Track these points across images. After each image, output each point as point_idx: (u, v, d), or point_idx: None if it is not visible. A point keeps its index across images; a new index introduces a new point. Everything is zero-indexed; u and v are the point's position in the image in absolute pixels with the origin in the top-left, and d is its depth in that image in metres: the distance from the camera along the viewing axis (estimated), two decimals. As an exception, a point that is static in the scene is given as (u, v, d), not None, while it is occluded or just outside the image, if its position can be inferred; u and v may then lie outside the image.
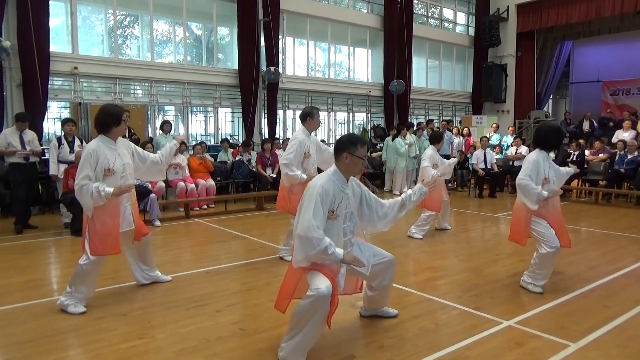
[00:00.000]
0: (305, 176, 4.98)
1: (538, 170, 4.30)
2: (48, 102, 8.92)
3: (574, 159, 10.59)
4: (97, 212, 3.74)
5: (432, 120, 13.54)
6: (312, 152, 5.18)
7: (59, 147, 7.03)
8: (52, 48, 8.91)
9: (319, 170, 4.66)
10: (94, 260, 3.75)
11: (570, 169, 4.79)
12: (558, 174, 4.54)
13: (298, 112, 12.97)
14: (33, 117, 7.89)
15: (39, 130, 8.36)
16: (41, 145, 7.78)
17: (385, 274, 3.40)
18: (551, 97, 19.25)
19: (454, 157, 7.26)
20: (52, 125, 9.35)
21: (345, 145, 3.02)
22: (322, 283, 2.78)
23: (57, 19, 9.59)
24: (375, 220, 3.33)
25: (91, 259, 3.73)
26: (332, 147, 3.37)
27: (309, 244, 2.77)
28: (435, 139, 6.88)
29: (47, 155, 7.71)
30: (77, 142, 7.17)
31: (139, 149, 4.18)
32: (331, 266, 2.91)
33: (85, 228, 3.79)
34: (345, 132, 13.96)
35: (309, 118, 5.14)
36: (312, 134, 5.27)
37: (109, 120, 3.83)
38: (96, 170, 3.72)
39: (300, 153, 5.04)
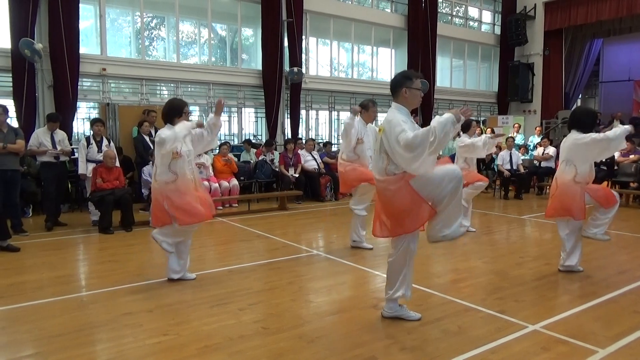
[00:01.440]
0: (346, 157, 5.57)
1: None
2: (77, 103, 9.14)
3: (604, 160, 10.31)
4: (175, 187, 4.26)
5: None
6: (366, 140, 5.59)
7: (87, 146, 7.20)
8: (82, 50, 9.14)
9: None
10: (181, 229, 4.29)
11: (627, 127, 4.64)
12: None
13: (321, 112, 13.10)
14: (63, 117, 8.11)
15: (69, 130, 8.60)
16: (71, 144, 7.98)
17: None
18: (580, 96, 18.79)
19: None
20: (81, 125, 9.59)
21: (401, 81, 3.32)
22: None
23: (87, 21, 9.84)
24: None
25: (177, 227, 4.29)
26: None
27: (422, 142, 3.04)
28: (466, 127, 6.80)
29: (76, 155, 7.91)
30: (105, 141, 7.33)
31: (193, 131, 4.54)
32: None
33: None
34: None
35: (364, 110, 5.70)
36: (370, 124, 5.75)
37: (171, 112, 4.39)
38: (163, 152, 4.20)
39: (353, 137, 5.49)
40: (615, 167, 10.37)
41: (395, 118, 3.24)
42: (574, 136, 4.62)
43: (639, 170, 10.12)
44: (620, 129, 4.45)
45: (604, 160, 10.24)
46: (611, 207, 4.68)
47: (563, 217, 4.77)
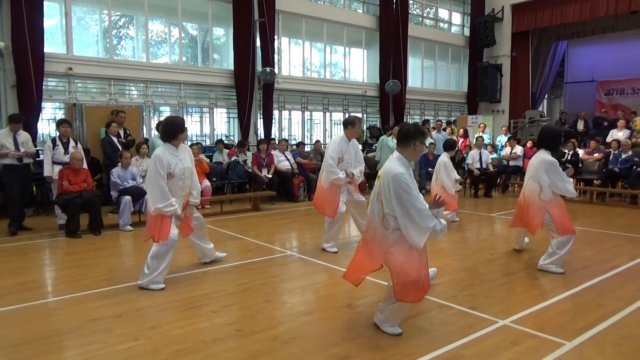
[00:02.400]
0: (343, 176, 5.40)
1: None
2: (42, 103, 8.88)
3: (569, 158, 10.64)
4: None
5: (427, 121, 13.56)
6: (346, 158, 5.57)
7: (53, 148, 7.00)
8: (47, 49, 8.87)
9: None
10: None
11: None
12: None
13: (294, 113, 13.09)
14: (27, 118, 7.86)
15: (33, 132, 8.32)
16: (35, 146, 7.74)
17: None
18: (546, 97, 19.33)
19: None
20: (46, 127, 9.30)
21: (415, 135, 3.30)
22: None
23: (52, 19, 9.56)
24: None
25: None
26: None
27: (427, 230, 3.18)
28: (450, 146, 7.26)
29: (41, 157, 7.67)
30: (71, 143, 7.14)
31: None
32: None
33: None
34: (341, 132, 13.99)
35: (350, 126, 5.58)
36: (353, 140, 5.70)
37: (177, 129, 4.46)
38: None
39: (336, 158, 5.47)
40: (580, 165, 10.70)
41: (398, 174, 3.17)
42: (542, 156, 4.89)
43: (602, 168, 10.48)
44: (570, 188, 4.88)
45: (569, 158, 10.58)
46: (565, 237, 4.80)
47: (522, 228, 5.27)
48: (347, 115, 14.07)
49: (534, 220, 4.90)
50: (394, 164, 3.26)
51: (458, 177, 7.31)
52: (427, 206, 3.20)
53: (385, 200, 3.24)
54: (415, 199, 3.15)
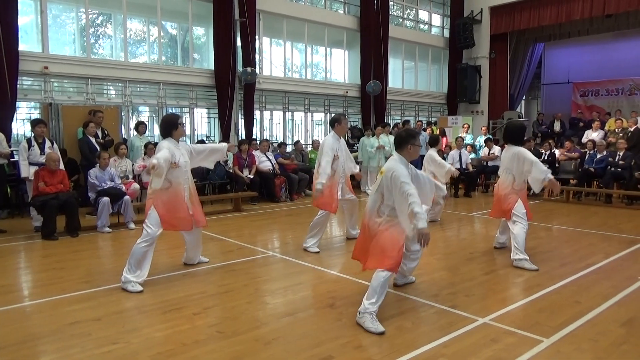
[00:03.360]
0: (321, 187, 5.46)
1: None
2: (17, 103, 8.66)
3: (546, 158, 10.85)
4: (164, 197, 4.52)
5: (408, 121, 13.67)
6: (340, 155, 5.76)
7: (29, 149, 6.85)
8: (21, 47, 8.66)
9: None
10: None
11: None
12: None
13: (275, 113, 13.05)
14: (1, 118, 7.67)
15: (7, 132, 8.12)
16: (10, 147, 7.56)
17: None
18: (524, 98, 19.65)
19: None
20: (21, 127, 9.09)
21: (407, 139, 3.78)
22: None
23: (26, 17, 9.34)
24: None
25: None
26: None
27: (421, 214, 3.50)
28: (434, 141, 7.38)
29: (16, 157, 7.50)
30: (47, 143, 6.99)
31: (195, 146, 5.07)
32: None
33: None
34: (323, 133, 14.05)
35: (337, 124, 5.76)
36: (341, 138, 5.89)
37: (168, 126, 4.66)
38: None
39: (332, 156, 5.58)
40: (557, 165, 10.92)
41: (399, 169, 3.63)
42: (515, 150, 5.22)
43: (578, 168, 10.70)
44: (548, 175, 5.09)
45: (545, 158, 10.78)
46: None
47: (501, 218, 5.57)
48: (329, 116, 14.21)
49: (509, 207, 5.24)
50: (396, 163, 3.72)
51: (453, 168, 7.37)
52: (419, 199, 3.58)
53: (386, 192, 3.68)
54: (412, 188, 3.56)
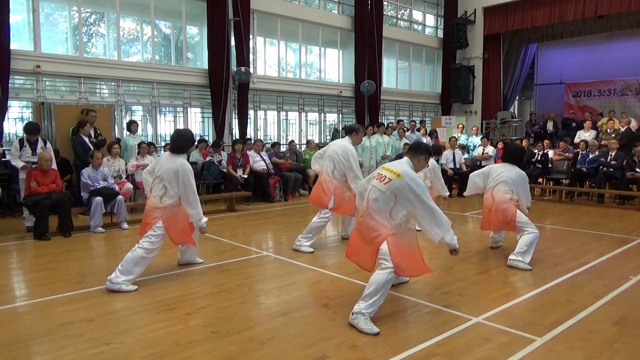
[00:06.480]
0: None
1: None
2: (9, 102, 8.60)
3: (539, 158, 10.91)
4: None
5: (401, 121, 13.69)
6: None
7: (20, 149, 6.79)
8: (13, 45, 8.59)
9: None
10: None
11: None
12: None
13: (269, 113, 13.03)
14: (-8, 117, 7.60)
15: (-2, 131, 8.07)
16: (1, 146, 7.49)
17: None
18: (517, 98, 19.76)
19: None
20: (12, 126, 9.02)
21: (424, 152, 3.80)
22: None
23: (18, 15, 9.26)
24: None
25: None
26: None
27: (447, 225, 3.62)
28: (436, 151, 7.36)
29: (7, 157, 7.43)
30: (40, 143, 6.93)
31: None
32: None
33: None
34: (317, 133, 14.06)
35: (354, 133, 5.75)
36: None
37: (188, 143, 4.78)
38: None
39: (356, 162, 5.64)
40: (550, 165, 10.99)
41: (417, 180, 3.62)
42: (520, 172, 5.36)
43: (571, 168, 10.77)
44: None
45: (538, 158, 10.85)
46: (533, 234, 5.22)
47: (500, 230, 5.57)
48: (323, 116, 14.21)
49: (511, 218, 5.14)
50: (411, 170, 3.67)
51: (446, 193, 7.15)
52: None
53: (400, 195, 3.56)
54: (431, 200, 3.61)
